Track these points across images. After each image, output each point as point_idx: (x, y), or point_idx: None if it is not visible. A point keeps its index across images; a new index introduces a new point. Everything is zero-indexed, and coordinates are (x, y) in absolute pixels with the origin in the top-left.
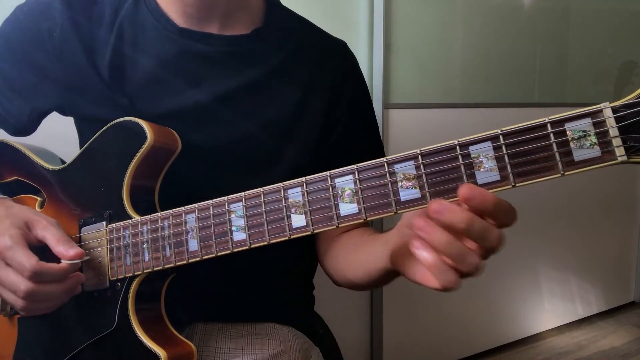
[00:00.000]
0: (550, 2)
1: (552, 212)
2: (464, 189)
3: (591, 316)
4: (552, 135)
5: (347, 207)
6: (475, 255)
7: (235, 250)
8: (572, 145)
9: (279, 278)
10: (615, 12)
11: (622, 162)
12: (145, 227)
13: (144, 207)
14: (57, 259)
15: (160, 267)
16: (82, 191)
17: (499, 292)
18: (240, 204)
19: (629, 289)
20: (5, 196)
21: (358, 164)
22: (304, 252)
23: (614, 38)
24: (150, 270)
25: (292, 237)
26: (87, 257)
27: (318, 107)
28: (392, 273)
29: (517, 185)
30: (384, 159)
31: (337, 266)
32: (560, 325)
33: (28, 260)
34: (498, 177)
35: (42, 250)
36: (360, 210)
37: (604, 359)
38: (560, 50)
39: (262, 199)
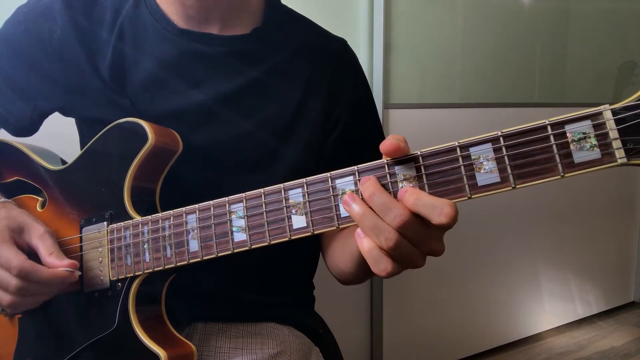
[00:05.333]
0: (550, 2)
1: (552, 213)
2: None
3: (591, 316)
4: (552, 137)
5: None
6: (391, 231)
7: (235, 250)
8: (572, 147)
9: (279, 278)
10: (615, 12)
11: (622, 164)
12: (146, 228)
13: (145, 207)
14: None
15: (161, 268)
16: (83, 191)
17: (499, 292)
18: (241, 204)
19: (629, 289)
20: (9, 200)
21: (359, 165)
22: (304, 253)
23: (614, 38)
24: (150, 270)
25: (292, 238)
26: (79, 273)
27: (319, 107)
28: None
29: (517, 187)
30: (385, 160)
31: (333, 260)
32: (560, 326)
33: (16, 257)
34: (498, 179)
35: (31, 257)
36: None
37: (603, 359)
38: (560, 50)
39: (263, 200)
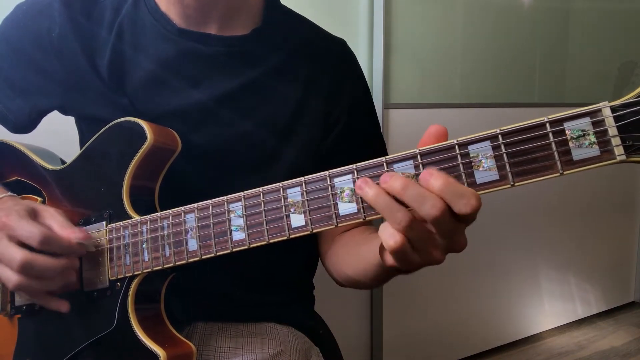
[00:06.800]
0: (550, 2)
1: (551, 212)
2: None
3: (591, 316)
4: (551, 134)
5: (346, 207)
6: (405, 211)
7: (234, 250)
8: (571, 144)
9: (279, 278)
10: (615, 12)
11: (621, 162)
12: (144, 227)
13: (144, 207)
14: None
15: (160, 267)
16: (82, 191)
17: (499, 292)
18: (240, 203)
19: (628, 289)
20: (14, 194)
21: (357, 164)
22: (304, 253)
23: (614, 38)
24: (149, 270)
25: (291, 236)
26: (94, 241)
27: (318, 107)
28: (388, 269)
29: (516, 184)
30: (383, 159)
31: (337, 264)
32: (560, 326)
33: (39, 228)
34: (497, 177)
35: None
36: (359, 209)
37: (603, 359)
38: (560, 50)
39: (262, 199)
